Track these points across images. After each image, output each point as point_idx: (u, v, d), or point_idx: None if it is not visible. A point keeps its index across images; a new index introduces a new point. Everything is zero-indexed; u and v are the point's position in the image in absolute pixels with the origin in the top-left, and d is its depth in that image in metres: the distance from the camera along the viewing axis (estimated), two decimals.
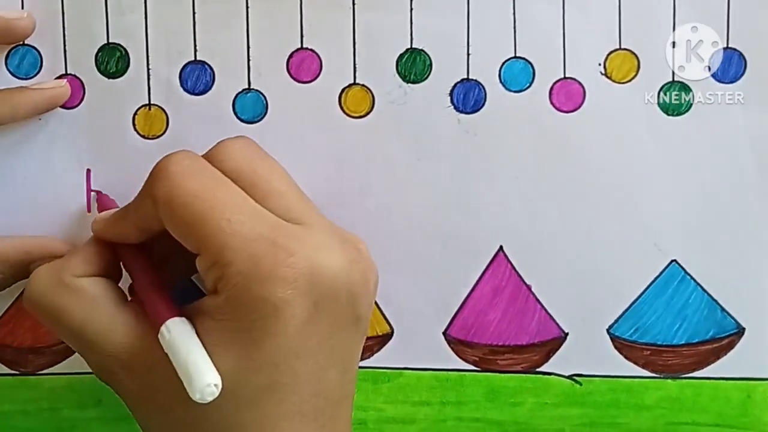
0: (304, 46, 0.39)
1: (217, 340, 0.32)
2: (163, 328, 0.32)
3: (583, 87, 0.39)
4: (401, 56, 0.39)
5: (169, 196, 0.33)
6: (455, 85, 0.39)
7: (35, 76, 0.39)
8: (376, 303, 0.40)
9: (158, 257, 0.37)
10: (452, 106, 0.39)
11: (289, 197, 0.35)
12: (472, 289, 0.40)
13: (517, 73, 0.39)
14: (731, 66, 0.39)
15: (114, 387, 0.35)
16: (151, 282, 0.35)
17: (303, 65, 0.39)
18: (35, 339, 0.41)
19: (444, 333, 0.41)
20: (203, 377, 0.31)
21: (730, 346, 0.40)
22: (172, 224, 0.33)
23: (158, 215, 0.33)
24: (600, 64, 0.39)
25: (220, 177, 0.34)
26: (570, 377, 0.41)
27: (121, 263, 0.37)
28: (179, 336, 0.32)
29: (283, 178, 0.36)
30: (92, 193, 0.40)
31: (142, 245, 0.36)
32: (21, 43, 0.39)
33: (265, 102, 0.40)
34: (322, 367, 0.33)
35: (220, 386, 0.31)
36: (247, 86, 0.40)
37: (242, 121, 0.40)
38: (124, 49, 0.39)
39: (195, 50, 0.39)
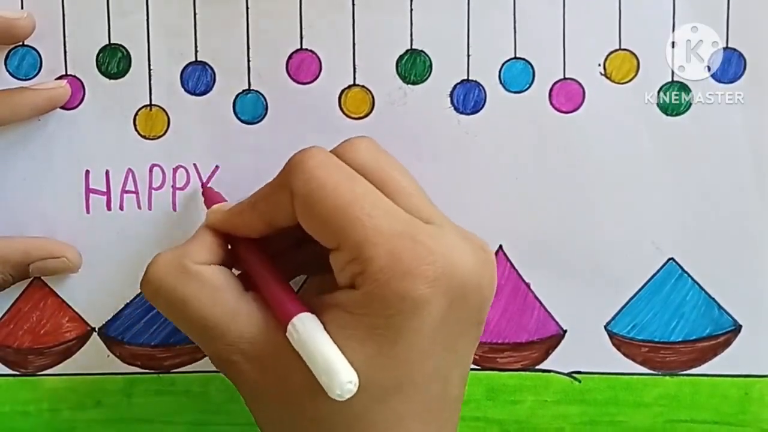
0: (304, 47, 0.39)
1: (351, 335, 0.32)
2: (296, 321, 0.32)
3: (582, 87, 0.39)
4: (401, 57, 0.39)
5: (308, 190, 0.32)
6: (455, 86, 0.39)
7: (35, 76, 0.39)
8: None
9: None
10: (452, 107, 0.39)
11: (418, 197, 0.34)
12: None
13: (517, 74, 0.39)
14: (731, 66, 0.39)
15: (231, 376, 0.34)
16: (273, 276, 0.34)
17: (303, 66, 0.39)
18: (35, 340, 0.41)
19: None
20: (343, 374, 0.30)
21: (728, 344, 0.40)
22: (310, 218, 0.32)
23: (291, 209, 0.33)
24: (600, 65, 0.39)
25: (354, 173, 0.33)
26: (569, 374, 0.41)
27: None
28: (312, 332, 0.31)
29: (411, 179, 0.35)
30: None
31: (256, 241, 0.36)
32: (20, 43, 0.39)
33: (264, 103, 0.40)
34: (447, 368, 0.33)
35: (357, 383, 0.30)
36: (247, 87, 0.39)
37: (242, 121, 0.40)
38: (126, 50, 0.39)
39: (196, 51, 0.39)
